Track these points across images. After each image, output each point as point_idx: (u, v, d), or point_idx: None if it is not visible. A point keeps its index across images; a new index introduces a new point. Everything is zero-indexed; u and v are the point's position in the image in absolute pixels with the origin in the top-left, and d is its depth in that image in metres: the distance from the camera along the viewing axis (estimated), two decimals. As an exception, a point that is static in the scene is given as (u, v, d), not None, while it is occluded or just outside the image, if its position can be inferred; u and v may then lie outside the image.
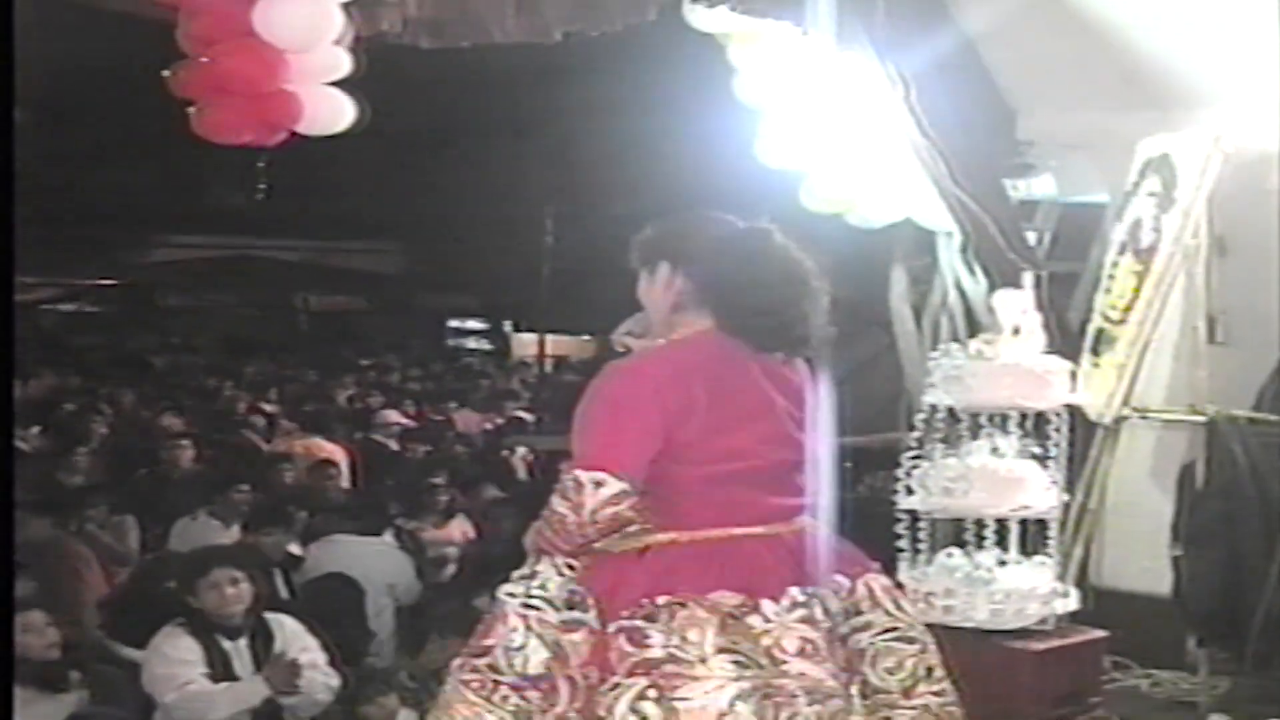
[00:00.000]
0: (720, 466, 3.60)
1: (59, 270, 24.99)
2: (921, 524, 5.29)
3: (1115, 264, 6.32)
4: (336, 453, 10.89)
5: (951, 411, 5.30)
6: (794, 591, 3.58)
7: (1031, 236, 6.79)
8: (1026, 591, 5.13)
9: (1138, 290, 6.13)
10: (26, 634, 5.62)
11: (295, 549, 7.78)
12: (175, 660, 5.77)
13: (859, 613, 3.69)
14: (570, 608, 3.58)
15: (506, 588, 3.68)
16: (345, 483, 10.19)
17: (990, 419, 5.30)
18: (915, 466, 5.30)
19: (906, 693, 3.65)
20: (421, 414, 14.71)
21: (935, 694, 3.70)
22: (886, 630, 3.69)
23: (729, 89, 6.65)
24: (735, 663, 3.46)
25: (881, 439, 7.71)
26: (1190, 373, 6.19)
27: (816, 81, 6.43)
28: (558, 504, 3.55)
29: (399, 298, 26.33)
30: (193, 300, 27.11)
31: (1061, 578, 5.34)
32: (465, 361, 22.50)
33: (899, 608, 3.77)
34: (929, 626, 5.04)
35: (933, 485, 5.26)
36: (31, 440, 11.56)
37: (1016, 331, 5.38)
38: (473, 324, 26.85)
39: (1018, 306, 5.46)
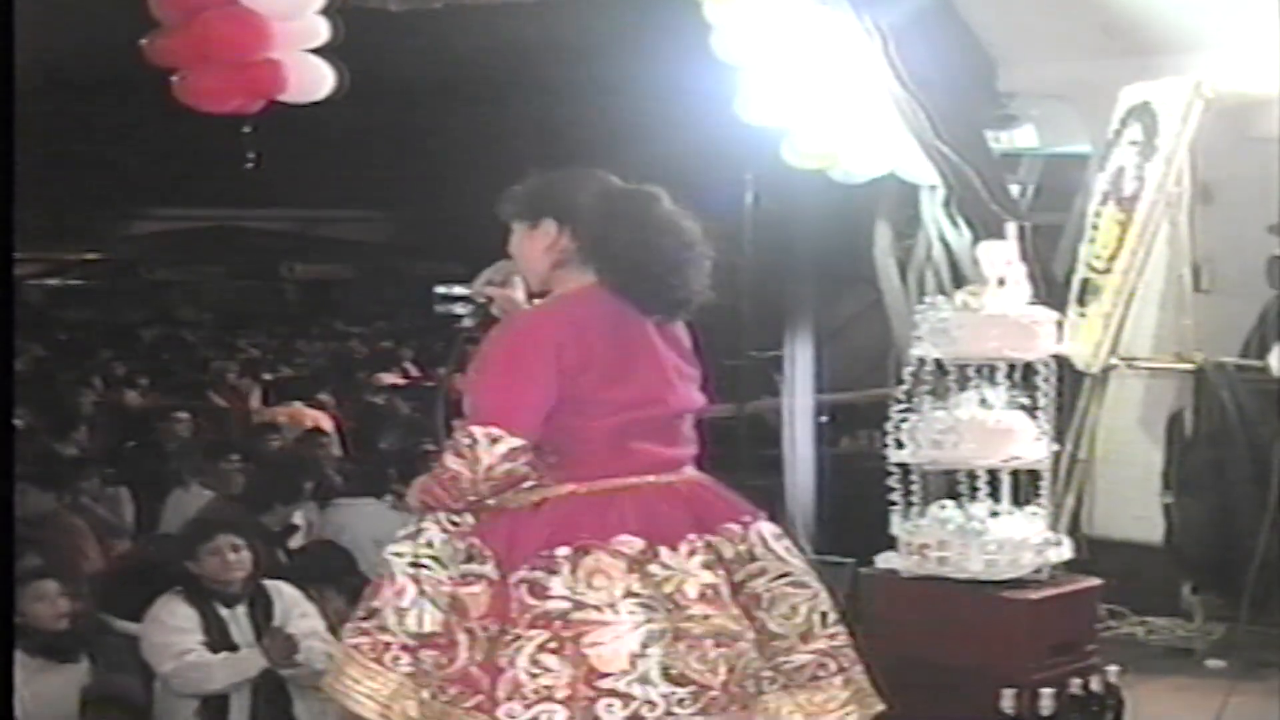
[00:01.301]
0: (617, 418, 3.57)
1: (44, 245, 24.88)
2: (913, 477, 5.27)
3: (1099, 213, 6.29)
4: (323, 420, 10.86)
5: (939, 364, 5.27)
6: (691, 538, 3.57)
7: (1014, 188, 6.78)
8: (1020, 541, 5.11)
9: (1122, 239, 6.11)
10: (38, 603, 5.60)
11: (297, 519, 7.75)
12: (173, 628, 5.74)
13: (753, 559, 3.66)
14: (468, 560, 3.55)
15: (392, 548, 3.65)
16: (336, 450, 10.13)
17: (978, 370, 5.26)
18: (904, 420, 5.27)
19: (804, 637, 3.63)
20: (412, 377, 14.69)
21: (831, 638, 3.67)
22: (780, 575, 3.65)
23: (707, 46, 6.60)
24: (643, 606, 3.44)
25: (870, 394, 7.71)
26: (1177, 321, 6.18)
27: (795, 36, 6.39)
28: (451, 461, 3.50)
29: (386, 266, 26.25)
30: (180, 272, 27.02)
31: (1054, 527, 5.32)
32: (454, 328, 22.37)
33: (790, 553, 3.74)
34: (924, 578, 5.11)
35: (922, 438, 5.23)
36: (21, 415, 11.52)
37: (1001, 283, 5.34)
38: (459, 289, 26.77)
39: (1002, 258, 5.42)
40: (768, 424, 8.25)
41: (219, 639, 5.78)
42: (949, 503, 5.25)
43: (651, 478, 3.62)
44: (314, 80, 5.75)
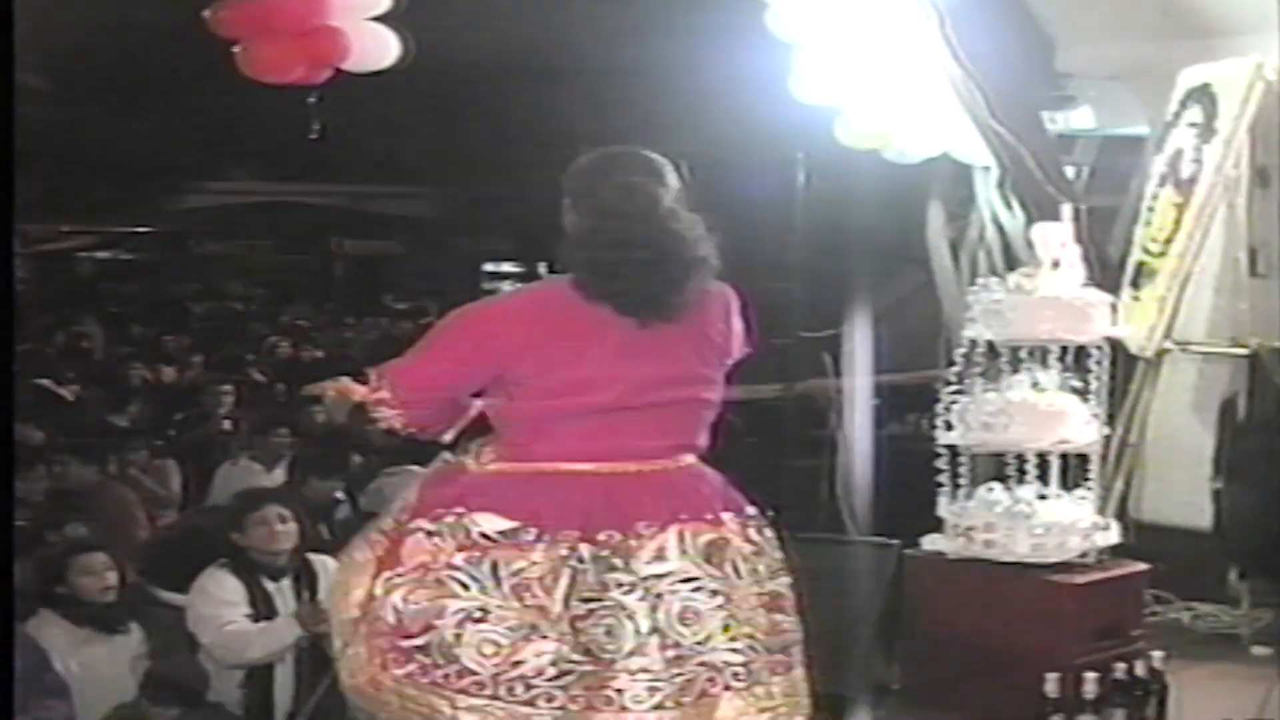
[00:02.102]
0: (547, 404, 3.61)
1: (95, 218, 25.08)
2: (961, 459, 5.27)
3: (1155, 196, 6.26)
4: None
5: (991, 346, 5.28)
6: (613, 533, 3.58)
7: (1070, 169, 6.75)
8: (1067, 525, 5.11)
9: (1178, 222, 6.08)
10: (86, 576, 5.67)
11: (339, 494, 7.81)
12: (219, 600, 5.80)
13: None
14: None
15: None
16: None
17: (1030, 353, 5.26)
18: (955, 402, 5.28)
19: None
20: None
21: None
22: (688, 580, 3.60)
23: (762, 24, 6.60)
24: (471, 580, 3.54)
25: (920, 376, 7.70)
26: (1232, 305, 6.14)
27: (851, 14, 6.37)
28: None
29: (434, 241, 26.30)
30: (228, 246, 27.16)
31: (1102, 511, 5.32)
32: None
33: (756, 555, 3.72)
34: (970, 560, 5.11)
35: (972, 420, 5.24)
36: (70, 387, 11.65)
37: (1056, 265, 5.34)
38: (507, 267, 26.83)
39: (1057, 239, 5.42)
40: (817, 404, 8.25)
41: (264, 611, 5.84)
42: (997, 485, 5.26)
43: (595, 466, 3.61)
44: (378, 48, 5.75)
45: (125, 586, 5.81)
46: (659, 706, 3.49)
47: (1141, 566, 5.30)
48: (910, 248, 7.63)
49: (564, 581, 3.51)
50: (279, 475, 8.27)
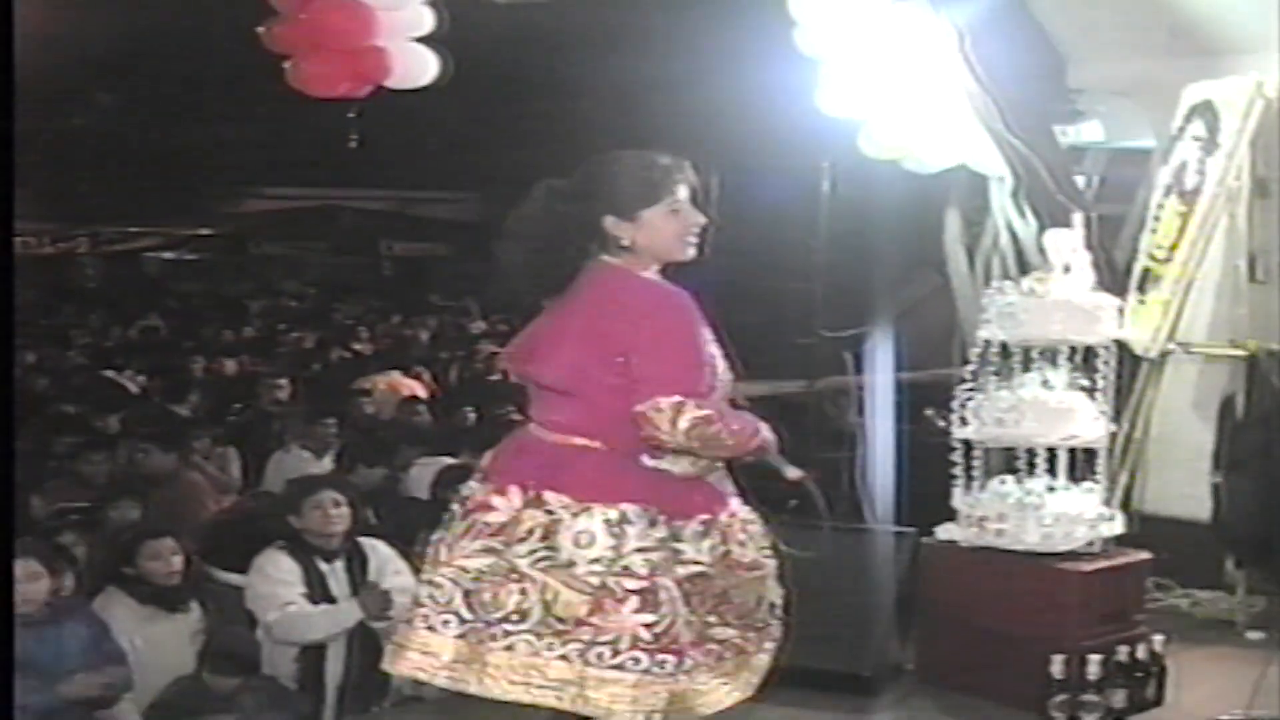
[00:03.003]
0: None
1: (161, 220, 25.22)
2: (975, 453, 5.29)
3: (1161, 205, 6.27)
4: (418, 388, 10.97)
5: (1004, 346, 5.29)
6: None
7: (1081, 180, 6.75)
8: (1074, 516, 5.12)
9: (1183, 231, 6.09)
10: (153, 561, 5.72)
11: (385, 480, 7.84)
12: (276, 580, 5.83)
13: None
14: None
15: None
16: (427, 417, 10.23)
17: (1041, 353, 5.28)
18: (969, 398, 5.29)
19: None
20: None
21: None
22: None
23: (789, 41, 6.61)
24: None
25: (934, 374, 7.69)
26: (1232, 309, 6.16)
27: (874, 33, 6.38)
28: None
29: (477, 244, 26.34)
30: (284, 248, 27.28)
31: (1108, 503, 5.32)
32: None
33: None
34: (982, 549, 5.12)
35: (986, 416, 5.25)
36: (137, 380, 11.74)
37: (1067, 270, 5.34)
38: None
39: (1068, 246, 5.42)
40: (838, 400, 8.26)
41: (319, 592, 5.87)
42: (1008, 478, 5.27)
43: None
44: (419, 67, 5.81)
45: (189, 569, 5.86)
46: None
47: (1144, 555, 5.31)
48: (928, 252, 7.62)
49: None
50: (327, 463, 8.32)
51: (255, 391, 10.95)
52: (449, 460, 7.64)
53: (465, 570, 3.57)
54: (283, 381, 10.93)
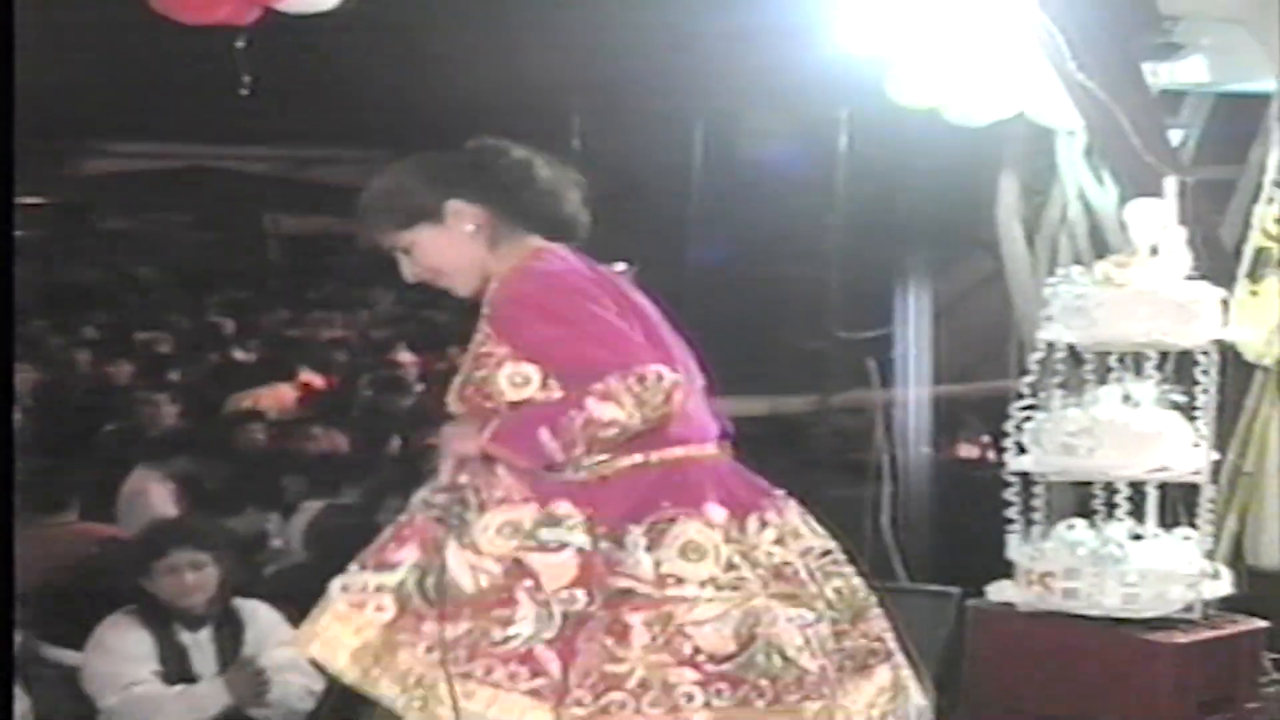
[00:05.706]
0: None
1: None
2: (1037, 489, 5.29)
3: (1280, 168, 6.28)
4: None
5: (1073, 350, 5.31)
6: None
7: (1175, 134, 6.75)
8: (1167, 572, 5.14)
9: (1311, 201, 6.11)
10: None
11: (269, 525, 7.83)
12: (121, 656, 5.81)
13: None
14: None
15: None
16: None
17: (1121, 360, 5.30)
18: (1029, 419, 5.29)
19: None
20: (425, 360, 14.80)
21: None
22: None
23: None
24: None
25: (984, 388, 7.71)
26: (1371, 303, 6.17)
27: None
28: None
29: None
30: (137, 222, 27.22)
31: (1210, 555, 5.33)
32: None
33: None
34: (1046, 614, 5.12)
35: (1050, 442, 5.27)
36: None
37: (1154, 251, 5.36)
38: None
39: (1156, 220, 5.44)
40: (859, 421, 8.27)
41: (175, 668, 5.86)
42: (1080, 522, 5.28)
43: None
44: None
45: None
46: None
47: (1259, 623, 5.32)
48: (976, 229, 7.64)
49: None
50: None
51: (100, 408, 10.93)
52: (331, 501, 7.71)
53: None
54: (141, 395, 10.94)
